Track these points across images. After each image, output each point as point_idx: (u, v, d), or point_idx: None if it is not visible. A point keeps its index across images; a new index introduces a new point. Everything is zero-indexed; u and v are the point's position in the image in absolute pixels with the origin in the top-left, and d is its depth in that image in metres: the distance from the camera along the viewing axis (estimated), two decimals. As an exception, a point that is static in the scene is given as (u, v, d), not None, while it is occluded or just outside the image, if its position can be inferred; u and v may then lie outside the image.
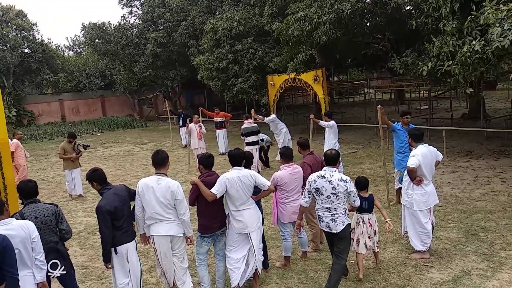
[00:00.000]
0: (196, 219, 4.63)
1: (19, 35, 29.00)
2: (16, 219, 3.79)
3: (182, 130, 15.73)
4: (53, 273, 3.99)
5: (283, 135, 11.24)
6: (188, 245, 4.54)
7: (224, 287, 4.76)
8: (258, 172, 6.08)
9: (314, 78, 14.66)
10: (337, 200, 4.30)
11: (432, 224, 5.30)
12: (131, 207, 4.42)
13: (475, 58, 7.13)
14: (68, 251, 4.30)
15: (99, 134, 23.93)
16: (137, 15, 26.86)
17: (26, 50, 29.44)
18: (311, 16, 11.79)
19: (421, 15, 9.34)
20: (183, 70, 23.95)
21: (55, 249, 4.00)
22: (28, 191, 4.07)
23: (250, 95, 17.51)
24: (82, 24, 29.27)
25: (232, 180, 4.41)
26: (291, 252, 5.29)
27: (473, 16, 7.19)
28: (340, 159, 4.81)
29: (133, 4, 27.24)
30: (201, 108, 13.68)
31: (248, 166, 4.81)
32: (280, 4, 15.13)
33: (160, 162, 4.36)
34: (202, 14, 21.10)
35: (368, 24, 13.37)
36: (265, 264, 5.15)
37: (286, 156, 5.22)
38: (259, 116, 11.47)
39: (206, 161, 4.62)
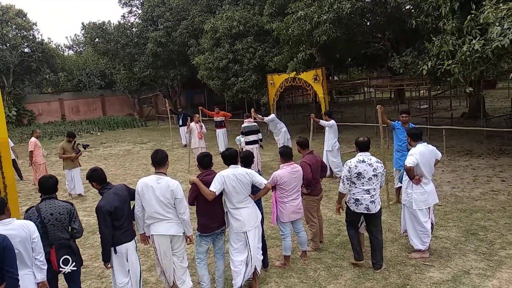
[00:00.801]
0: (196, 218, 4.64)
1: (19, 34, 28.99)
2: (32, 212, 3.92)
3: (182, 130, 15.73)
4: (64, 268, 4.01)
5: (282, 135, 11.23)
6: (188, 244, 4.54)
7: (224, 286, 4.77)
8: (258, 171, 6.08)
9: (314, 77, 14.66)
10: (377, 181, 4.85)
11: (431, 223, 5.31)
12: (131, 206, 4.43)
13: (475, 57, 7.12)
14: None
15: (99, 134, 23.92)
16: (137, 15, 26.80)
17: (26, 50, 29.45)
18: (311, 15, 11.77)
19: (421, 14, 9.34)
20: (183, 70, 23.93)
21: (67, 245, 4.03)
22: (48, 187, 4.12)
23: (250, 94, 17.48)
24: (82, 23, 29.22)
25: (228, 177, 4.44)
26: (290, 251, 5.29)
27: (473, 15, 7.19)
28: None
29: (133, 4, 27.20)
30: (201, 107, 13.70)
31: (248, 165, 4.81)
32: (280, 3, 15.10)
33: (159, 161, 4.38)
34: (202, 13, 21.08)
35: (368, 23, 13.36)
36: (265, 263, 5.15)
37: (286, 155, 5.23)
38: (259, 115, 11.48)
39: (202, 161, 4.64)
